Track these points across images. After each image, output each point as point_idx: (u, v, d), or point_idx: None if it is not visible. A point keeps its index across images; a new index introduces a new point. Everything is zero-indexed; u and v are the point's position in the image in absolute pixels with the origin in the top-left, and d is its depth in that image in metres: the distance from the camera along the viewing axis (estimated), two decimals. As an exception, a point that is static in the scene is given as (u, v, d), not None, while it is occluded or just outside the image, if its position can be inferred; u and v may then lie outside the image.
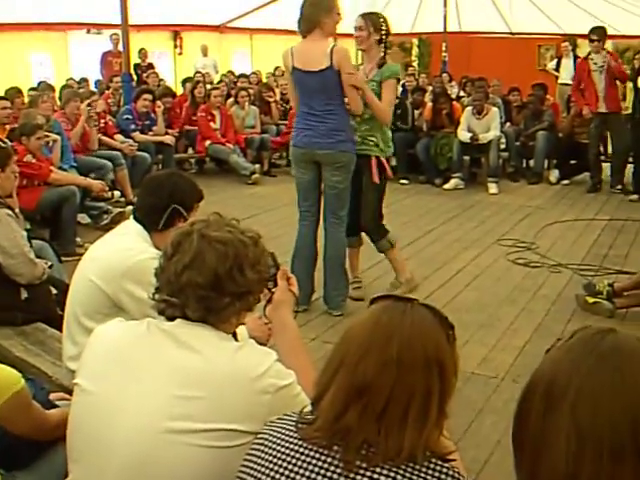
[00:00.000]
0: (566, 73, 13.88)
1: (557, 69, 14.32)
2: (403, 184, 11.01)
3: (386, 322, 1.65)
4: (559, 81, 14.06)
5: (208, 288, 2.09)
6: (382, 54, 5.73)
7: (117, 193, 9.30)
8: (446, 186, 10.84)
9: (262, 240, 2.26)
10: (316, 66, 5.32)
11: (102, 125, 10.00)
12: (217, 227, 2.18)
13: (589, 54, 10.54)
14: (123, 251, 3.22)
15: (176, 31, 16.72)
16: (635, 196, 10.14)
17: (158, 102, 11.00)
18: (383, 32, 5.69)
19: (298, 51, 5.46)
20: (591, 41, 10.40)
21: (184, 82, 13.27)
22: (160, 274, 2.17)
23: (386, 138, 5.86)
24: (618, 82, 10.34)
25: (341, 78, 5.31)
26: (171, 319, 2.12)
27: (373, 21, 5.71)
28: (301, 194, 5.84)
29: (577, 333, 1.37)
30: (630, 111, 10.28)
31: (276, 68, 16.96)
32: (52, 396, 2.86)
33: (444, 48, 17.11)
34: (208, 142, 11.46)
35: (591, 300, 5.84)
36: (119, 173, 9.35)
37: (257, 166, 11.57)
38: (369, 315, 1.69)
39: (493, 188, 10.68)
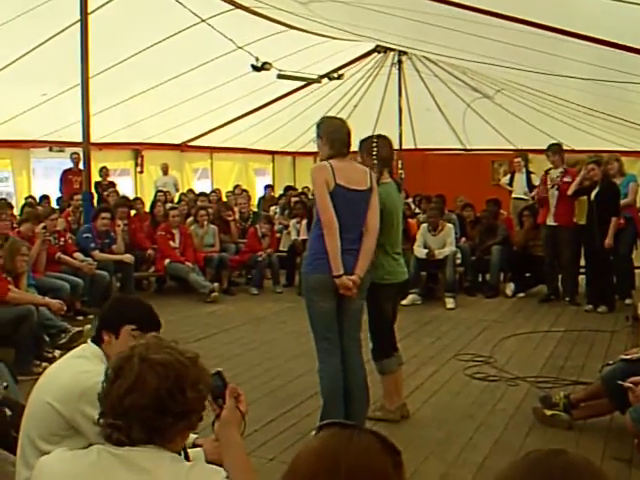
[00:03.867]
0: (519, 187, 14.25)
1: (510, 184, 14.68)
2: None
3: (332, 450, 1.64)
4: (512, 195, 14.41)
5: (151, 409, 2.14)
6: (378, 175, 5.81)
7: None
8: (403, 302, 10.86)
9: (201, 360, 2.32)
10: (362, 185, 5.36)
11: (62, 243, 10.04)
12: (157, 349, 2.24)
13: (549, 169, 10.95)
14: (80, 374, 3.23)
15: (137, 149, 16.93)
16: (590, 306, 10.33)
17: (118, 221, 11.10)
18: (374, 155, 5.85)
19: (339, 169, 5.29)
20: (547, 157, 10.89)
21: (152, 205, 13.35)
22: (104, 398, 2.21)
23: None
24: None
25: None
26: (118, 443, 2.14)
27: (365, 147, 5.91)
28: (324, 324, 5.42)
29: (529, 454, 1.41)
30: (582, 222, 10.55)
31: (235, 187, 17.24)
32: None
33: (400, 165, 17.53)
34: (167, 260, 11.53)
35: (549, 413, 5.87)
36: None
37: (216, 284, 11.61)
38: (316, 443, 1.68)
39: (450, 303, 10.80)
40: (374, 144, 5.88)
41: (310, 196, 13.50)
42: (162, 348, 2.26)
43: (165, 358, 2.22)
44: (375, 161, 5.82)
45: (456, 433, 5.79)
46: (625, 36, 5.94)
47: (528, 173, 14.04)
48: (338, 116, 17.89)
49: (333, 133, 5.37)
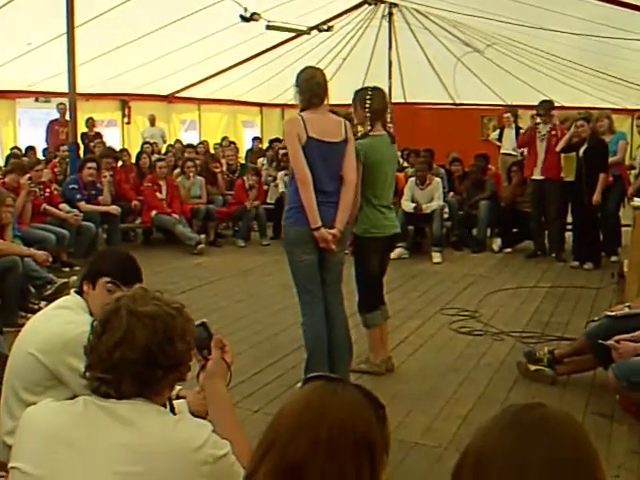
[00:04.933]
0: (508, 143, 14.17)
1: (500, 139, 14.60)
2: (346, 254, 11.09)
3: (317, 403, 1.65)
4: (501, 151, 14.32)
5: (141, 363, 2.13)
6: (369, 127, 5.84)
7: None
8: (390, 255, 10.91)
9: (186, 309, 2.31)
10: (337, 137, 5.33)
11: (47, 195, 9.97)
12: (144, 302, 2.23)
13: (538, 123, 10.91)
14: (63, 324, 3.22)
15: (124, 100, 16.78)
16: (576, 263, 10.36)
17: (104, 172, 11.02)
18: (367, 107, 5.80)
19: (310, 120, 5.25)
20: (538, 114, 10.83)
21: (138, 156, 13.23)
22: (90, 352, 2.20)
23: None
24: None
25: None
26: (106, 396, 2.14)
27: (358, 98, 5.88)
28: (306, 277, 5.47)
29: (508, 408, 1.42)
30: (570, 179, 10.55)
31: (223, 138, 17.12)
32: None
33: (389, 119, 17.44)
34: (154, 212, 11.49)
35: (533, 368, 5.91)
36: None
37: (203, 236, 11.62)
38: (301, 396, 1.70)
39: (437, 257, 10.83)
40: (368, 96, 5.83)
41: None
42: (149, 300, 2.25)
43: (153, 310, 2.20)
44: (368, 113, 5.79)
45: (440, 387, 5.84)
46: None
47: (517, 129, 13.96)
48: (324, 68, 17.78)
49: (304, 82, 5.35)
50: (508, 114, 14.22)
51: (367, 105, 5.80)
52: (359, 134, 5.95)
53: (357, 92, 5.94)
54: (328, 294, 5.52)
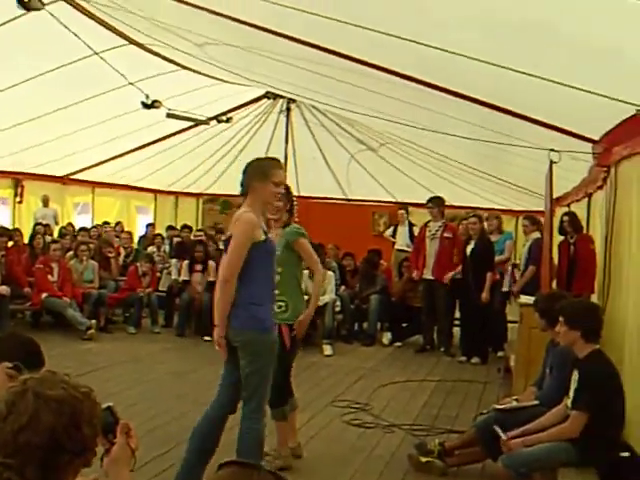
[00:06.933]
0: (402, 239, 14.48)
1: (393, 235, 14.85)
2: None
3: None
4: (395, 247, 14.55)
5: (47, 448, 2.09)
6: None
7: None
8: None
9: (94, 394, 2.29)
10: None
11: None
12: (51, 385, 2.18)
13: (428, 221, 11.29)
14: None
15: (17, 179, 16.47)
16: (464, 358, 10.65)
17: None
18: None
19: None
20: (428, 209, 11.24)
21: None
22: None
23: None
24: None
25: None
26: None
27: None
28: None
29: None
30: (459, 276, 10.92)
31: (117, 223, 16.94)
32: None
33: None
34: (44, 295, 11.25)
35: (424, 459, 6.01)
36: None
37: (93, 322, 11.40)
38: None
39: (328, 350, 10.92)
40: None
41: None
42: (57, 383, 2.20)
43: (60, 394, 2.16)
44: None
45: (333, 478, 5.84)
46: (502, 99, 6.24)
47: (410, 225, 14.35)
48: (221, 158, 17.96)
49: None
50: (402, 211, 14.53)
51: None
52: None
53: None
54: None
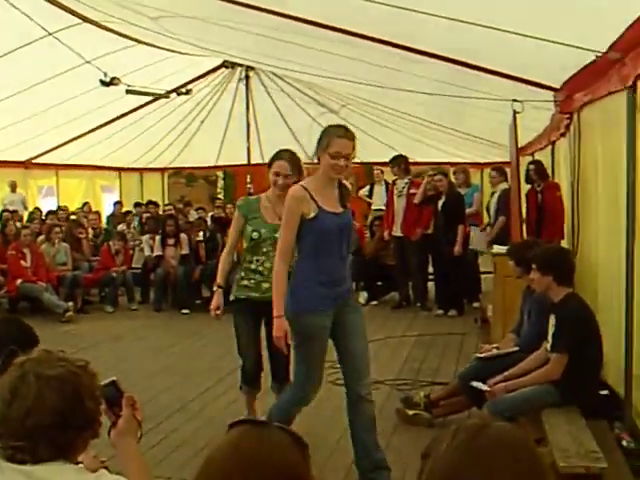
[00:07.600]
0: (379, 199, 14.20)
1: (370, 196, 14.57)
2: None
3: (245, 449, 1.69)
4: (372, 207, 14.25)
5: (55, 427, 2.14)
6: None
7: None
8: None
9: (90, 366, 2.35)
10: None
11: None
12: (50, 364, 2.23)
13: (395, 179, 11.35)
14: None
15: (-20, 166, 16.31)
16: (440, 311, 10.79)
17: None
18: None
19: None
20: (391, 168, 11.30)
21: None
22: (1, 422, 2.17)
23: None
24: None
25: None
26: (22, 462, 2.13)
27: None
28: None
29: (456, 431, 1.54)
30: (430, 231, 11.04)
31: (84, 204, 16.82)
32: None
33: (249, 179, 17.69)
34: (19, 281, 11.22)
35: (411, 412, 6.14)
36: None
37: (71, 304, 11.40)
38: (228, 443, 1.73)
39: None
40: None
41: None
42: (54, 362, 2.25)
43: (60, 372, 2.21)
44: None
45: (323, 438, 5.92)
46: (461, 52, 6.29)
47: (387, 184, 14.21)
48: (183, 130, 17.84)
49: None
50: (378, 170, 14.27)
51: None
52: None
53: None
54: None
